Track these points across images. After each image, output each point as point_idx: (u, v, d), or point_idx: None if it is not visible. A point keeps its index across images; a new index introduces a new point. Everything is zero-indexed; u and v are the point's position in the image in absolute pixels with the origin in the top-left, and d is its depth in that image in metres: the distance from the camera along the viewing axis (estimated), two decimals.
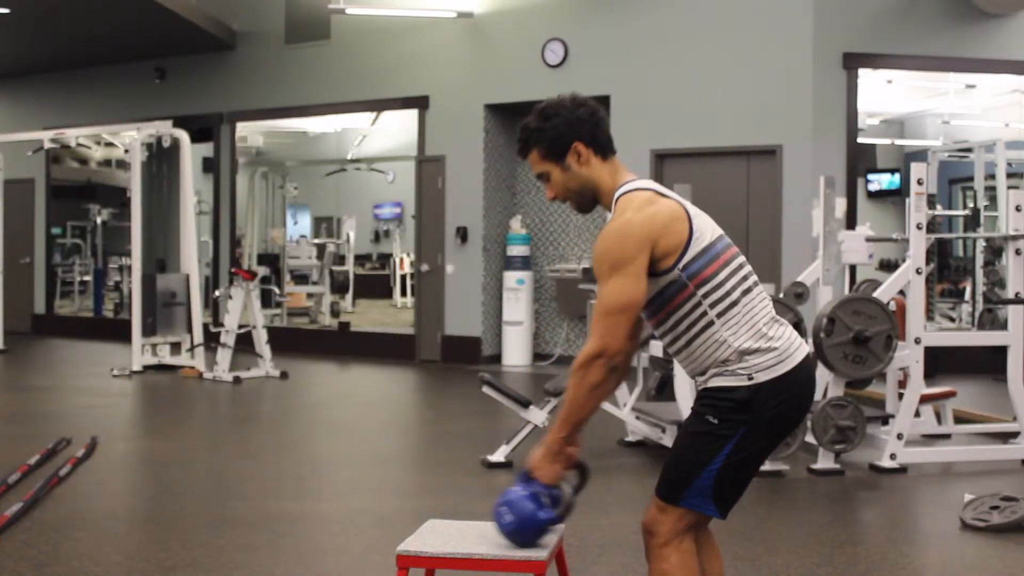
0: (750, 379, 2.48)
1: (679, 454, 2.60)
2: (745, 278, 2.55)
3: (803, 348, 2.57)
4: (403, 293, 14.79)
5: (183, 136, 10.60)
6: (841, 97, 9.50)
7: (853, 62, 9.51)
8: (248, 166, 13.65)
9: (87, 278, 15.16)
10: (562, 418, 2.52)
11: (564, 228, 11.21)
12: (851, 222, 8.16)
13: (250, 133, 13.37)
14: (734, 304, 2.51)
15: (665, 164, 9.76)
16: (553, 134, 2.59)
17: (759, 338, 2.50)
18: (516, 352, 10.72)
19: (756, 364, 2.49)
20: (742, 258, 2.59)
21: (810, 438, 5.71)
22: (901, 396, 6.06)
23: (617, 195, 2.56)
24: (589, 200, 2.65)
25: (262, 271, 10.90)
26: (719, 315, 2.49)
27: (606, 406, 6.37)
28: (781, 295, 6.00)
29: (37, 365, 11.33)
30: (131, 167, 10.80)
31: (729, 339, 2.49)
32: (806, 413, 2.66)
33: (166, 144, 10.72)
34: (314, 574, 4.02)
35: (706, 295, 2.49)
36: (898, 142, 13.18)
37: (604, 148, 2.62)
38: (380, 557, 3.09)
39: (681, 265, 2.47)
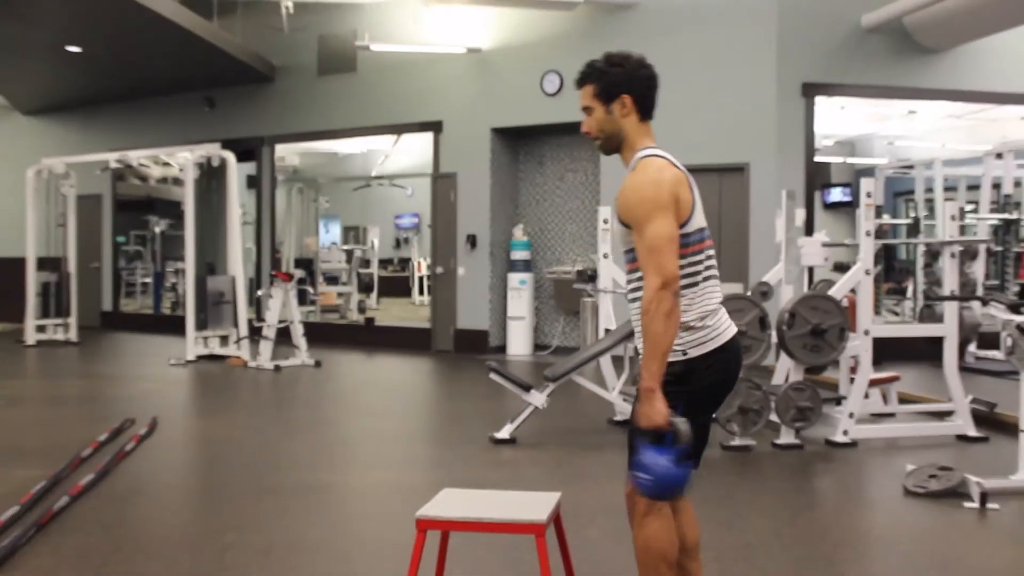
0: (684, 354, 2.50)
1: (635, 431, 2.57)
2: (710, 268, 2.57)
3: (732, 329, 2.58)
4: (420, 292, 14.81)
5: (230, 157, 10.62)
6: (800, 121, 9.51)
7: (811, 91, 9.52)
8: (286, 182, 13.66)
9: (147, 280, 15.18)
10: (649, 355, 2.38)
11: (560, 236, 11.23)
12: (809, 230, 8.13)
13: (288, 154, 13.38)
14: (695, 285, 2.52)
15: None
16: (611, 79, 2.58)
17: (701, 318, 2.51)
18: (519, 343, 10.72)
19: (690, 341, 2.50)
20: (713, 251, 2.60)
21: (774, 417, 5.72)
22: (852, 380, 6.07)
23: (640, 155, 2.55)
24: (614, 146, 2.62)
25: (298, 273, 10.88)
26: (681, 287, 2.47)
27: (597, 389, 6.39)
28: (748, 293, 6.00)
29: (105, 355, 11.36)
30: (185, 184, 10.82)
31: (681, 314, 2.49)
32: (734, 382, 2.65)
33: (215, 164, 10.73)
34: (344, 536, 4.03)
35: (680, 267, 2.48)
36: (850, 160, 13.20)
37: (647, 110, 2.61)
38: (401, 521, 3.11)
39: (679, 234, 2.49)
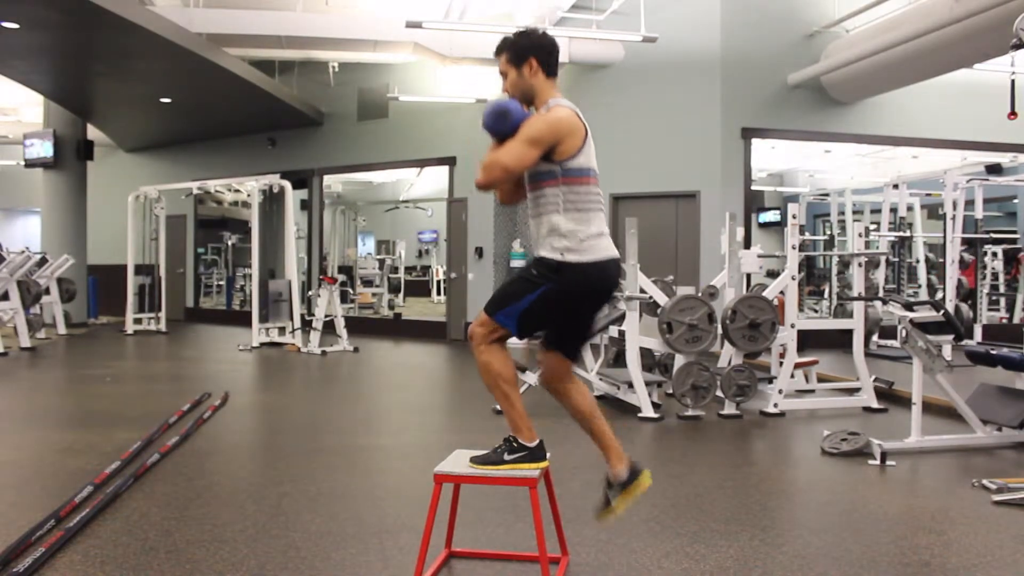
0: (561, 256, 2.50)
1: (506, 288, 2.61)
2: (595, 202, 2.56)
3: (609, 253, 2.55)
4: (438, 293, 14.82)
5: (287, 185, 10.62)
6: (740, 158, 9.52)
7: (748, 134, 9.53)
8: (331, 205, 13.67)
9: (221, 283, 15.19)
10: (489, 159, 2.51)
11: None
12: (747, 244, 8.13)
13: (333, 182, 13.40)
14: (579, 211, 2.52)
15: (619, 204, 9.78)
16: (520, 47, 2.59)
17: (580, 237, 2.50)
18: None
19: (569, 248, 2.49)
20: (599, 190, 2.60)
21: (720, 392, 5.72)
22: (781, 364, 6.07)
23: (552, 103, 2.56)
24: (527, 101, 2.62)
25: (341, 278, 10.91)
26: (566, 210, 2.51)
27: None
28: (699, 294, 5.99)
29: (188, 342, 11.35)
30: (251, 206, 10.83)
31: (562, 225, 2.50)
32: (604, 291, 2.59)
33: (275, 191, 10.73)
34: (377, 486, 4.02)
35: (567, 192, 2.51)
36: (779, 189, 13.21)
37: (550, 70, 2.61)
38: (423, 476, 3.10)
39: (563, 166, 2.50)
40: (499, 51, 2.62)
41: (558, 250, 2.50)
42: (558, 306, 2.54)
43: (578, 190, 2.52)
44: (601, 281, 2.56)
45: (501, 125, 2.52)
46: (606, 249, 2.54)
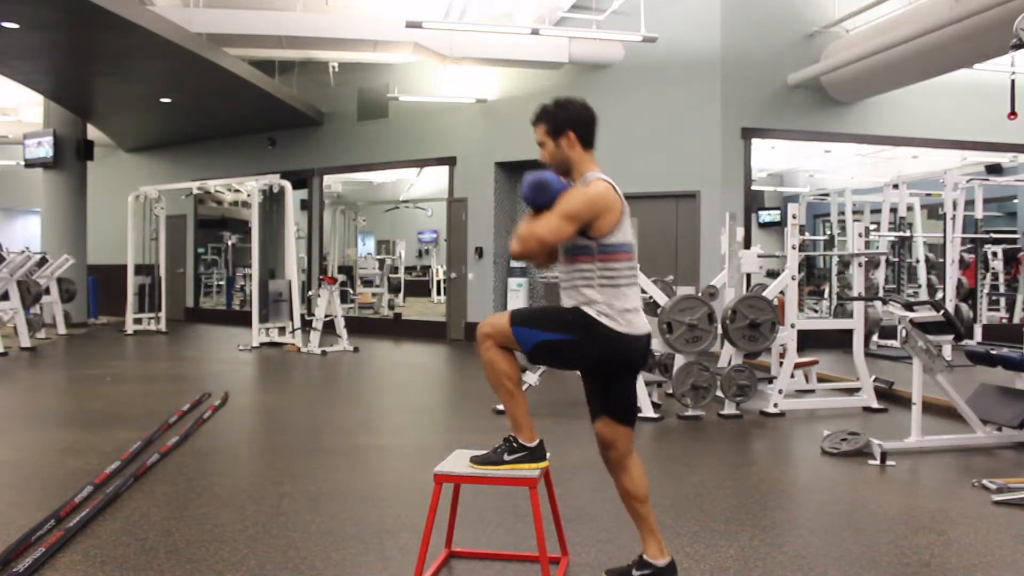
0: (595, 315, 2.48)
1: (541, 311, 2.64)
2: (630, 277, 2.54)
3: (643, 329, 2.54)
4: (438, 293, 14.81)
5: (287, 185, 10.62)
6: (740, 158, 9.51)
7: (748, 134, 9.52)
8: (331, 205, 13.66)
9: (221, 283, 15.18)
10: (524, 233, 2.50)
11: None
12: (747, 244, 8.13)
13: (333, 182, 13.39)
14: (614, 287, 2.51)
15: None
16: (559, 120, 2.58)
17: (617, 308, 2.49)
18: None
19: (604, 314, 2.48)
20: (635, 265, 2.58)
21: (720, 392, 5.71)
22: (781, 364, 6.06)
23: (590, 176, 2.55)
24: (564, 172, 2.61)
25: (341, 278, 10.91)
26: (601, 286, 2.49)
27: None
28: (699, 294, 5.99)
29: (188, 342, 11.36)
30: (251, 206, 10.83)
31: (598, 299, 2.49)
32: (632, 367, 2.58)
33: (275, 191, 10.73)
34: (378, 486, 4.02)
35: (602, 269, 2.49)
36: (779, 189, 13.20)
37: (588, 143, 2.60)
38: (423, 476, 3.10)
39: (599, 241, 2.49)
40: (537, 121, 2.60)
41: (592, 311, 2.49)
42: (580, 357, 2.54)
43: (613, 266, 2.50)
44: (632, 351, 2.53)
45: (540, 197, 2.50)
46: (641, 326, 2.53)
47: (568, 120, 2.57)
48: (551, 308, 2.61)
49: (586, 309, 2.49)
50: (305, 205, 13.03)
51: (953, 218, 8.79)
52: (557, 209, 2.46)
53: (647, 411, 5.58)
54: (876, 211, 11.11)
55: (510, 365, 2.54)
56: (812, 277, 11.96)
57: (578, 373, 2.67)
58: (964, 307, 8.31)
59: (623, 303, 2.50)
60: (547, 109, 2.59)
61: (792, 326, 5.90)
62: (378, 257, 14.68)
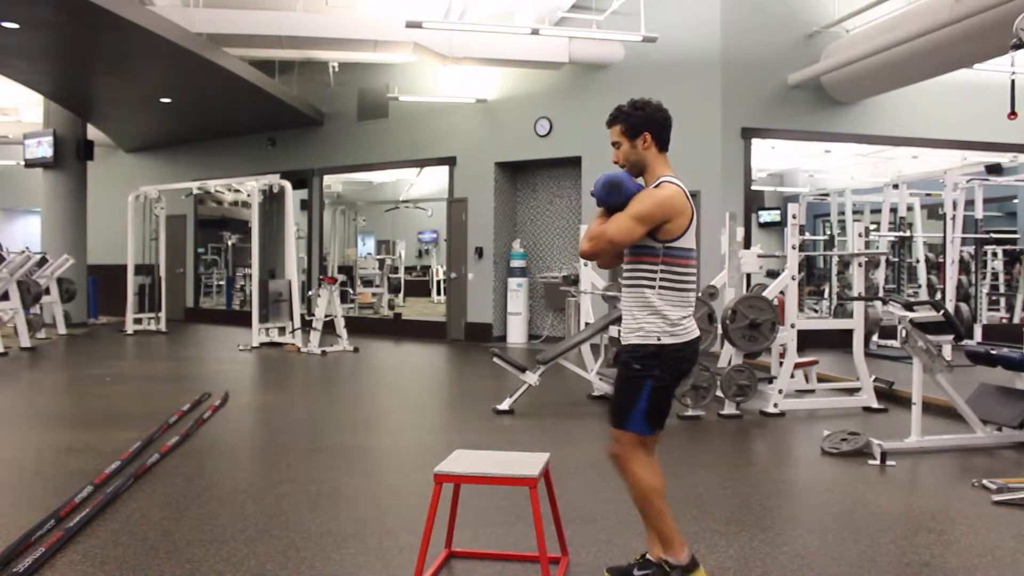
0: (659, 340, 2.50)
1: (619, 397, 2.59)
2: (690, 281, 2.56)
3: (696, 333, 2.57)
4: (438, 293, 14.78)
5: (287, 185, 10.62)
6: (740, 158, 9.51)
7: (748, 134, 9.52)
8: (331, 205, 13.65)
9: (221, 283, 15.18)
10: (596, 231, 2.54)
11: (549, 248, 11.22)
12: (747, 244, 8.13)
13: (333, 182, 13.38)
14: (677, 290, 2.53)
15: None
16: (635, 120, 2.57)
17: (680, 317, 2.52)
18: (516, 333, 10.71)
19: (666, 331, 2.50)
20: (695, 270, 2.60)
21: (720, 392, 5.71)
22: (781, 364, 6.06)
23: (662, 179, 2.54)
24: (638, 172, 2.60)
25: (341, 278, 10.91)
26: (661, 287, 2.50)
27: (579, 371, 6.38)
28: (699, 294, 5.99)
29: (188, 342, 11.36)
30: (251, 206, 10.82)
31: (656, 303, 2.51)
32: (690, 369, 2.62)
33: (275, 190, 10.73)
34: (378, 486, 4.02)
35: (664, 271, 2.50)
36: (779, 189, 13.19)
37: (663, 144, 2.60)
38: (423, 475, 3.10)
39: (665, 244, 2.50)
40: (613, 121, 2.59)
41: (654, 334, 2.50)
42: (670, 387, 2.57)
43: (676, 269, 2.52)
44: (693, 355, 2.58)
45: (614, 197, 2.51)
46: (694, 332, 2.57)
47: (645, 121, 2.57)
48: (620, 383, 2.58)
49: (641, 341, 2.50)
50: (305, 205, 13.03)
51: (953, 218, 8.79)
52: (629, 210, 2.47)
53: None
54: (876, 211, 11.12)
55: (654, 477, 2.52)
56: (812, 277, 11.96)
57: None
58: (964, 307, 8.32)
59: (679, 311, 2.53)
60: (623, 110, 2.59)
61: (792, 326, 5.90)
62: (378, 257, 14.68)
